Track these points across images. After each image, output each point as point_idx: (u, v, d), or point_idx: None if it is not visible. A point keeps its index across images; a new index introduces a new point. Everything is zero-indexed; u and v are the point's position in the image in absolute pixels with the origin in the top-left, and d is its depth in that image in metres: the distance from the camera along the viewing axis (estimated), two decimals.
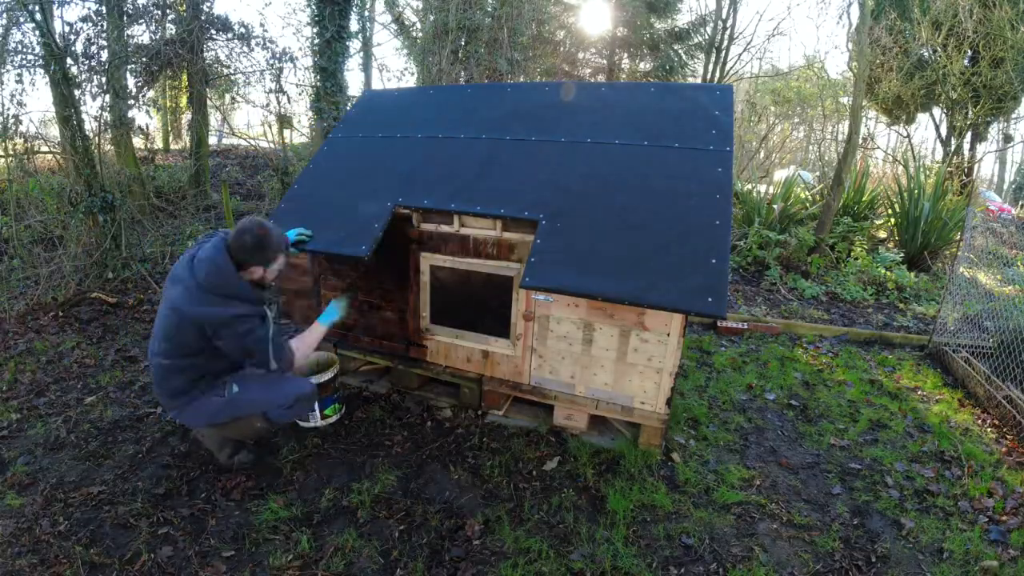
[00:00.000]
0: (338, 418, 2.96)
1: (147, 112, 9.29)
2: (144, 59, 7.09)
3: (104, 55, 6.44)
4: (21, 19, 5.43)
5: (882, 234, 8.13)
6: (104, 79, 6.25)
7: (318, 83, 6.84)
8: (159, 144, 11.29)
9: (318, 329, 2.59)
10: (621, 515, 2.38)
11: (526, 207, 2.64)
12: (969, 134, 11.11)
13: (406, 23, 11.46)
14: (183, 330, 2.21)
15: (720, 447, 2.98)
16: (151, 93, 8.58)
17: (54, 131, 6.92)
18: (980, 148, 11.62)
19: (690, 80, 13.85)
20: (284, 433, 2.85)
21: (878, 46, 9.46)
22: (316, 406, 2.80)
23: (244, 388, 2.39)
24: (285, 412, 2.47)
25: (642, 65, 13.34)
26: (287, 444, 2.77)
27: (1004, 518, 2.50)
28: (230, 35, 7.59)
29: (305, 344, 2.50)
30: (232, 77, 8.35)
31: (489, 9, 7.35)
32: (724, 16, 13.61)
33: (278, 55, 7.57)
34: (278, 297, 3.56)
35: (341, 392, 3.11)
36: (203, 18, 7.35)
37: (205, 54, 7.69)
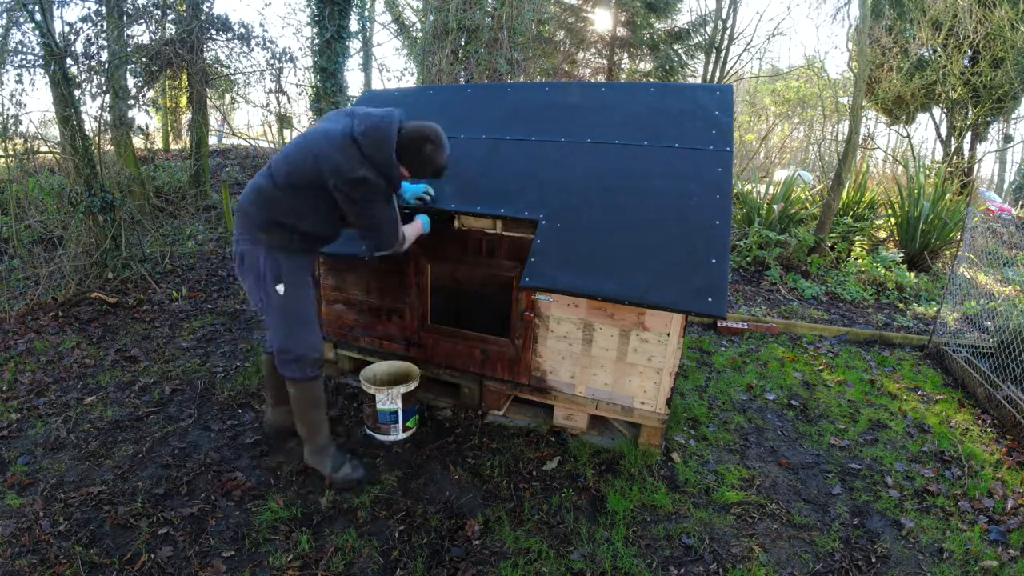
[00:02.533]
0: (415, 431, 2.93)
1: (147, 112, 9.30)
2: (144, 59, 7.10)
3: (104, 55, 6.45)
4: (21, 19, 5.43)
5: (882, 234, 8.13)
6: (104, 79, 6.25)
7: (318, 83, 6.84)
8: (159, 144, 11.30)
9: (418, 225, 2.61)
10: (621, 515, 2.38)
11: (526, 207, 2.64)
12: (969, 134, 11.11)
13: (406, 23, 11.46)
14: (317, 161, 2.13)
15: (720, 447, 2.98)
16: (151, 93, 8.58)
17: (54, 131, 6.92)
18: (980, 148, 11.62)
19: (690, 80, 13.85)
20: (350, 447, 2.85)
21: (878, 46, 9.46)
22: (399, 417, 2.79)
23: (289, 298, 2.28)
24: (290, 362, 2.34)
25: (642, 65, 13.35)
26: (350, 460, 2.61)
27: (1004, 518, 2.50)
28: (230, 35, 7.59)
29: (407, 235, 2.47)
30: (232, 77, 8.35)
31: (489, 9, 7.35)
32: (724, 16, 13.62)
33: (278, 55, 7.58)
34: None
35: (423, 404, 3.12)
36: (203, 18, 7.35)
37: (205, 54, 7.70)
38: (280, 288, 2.26)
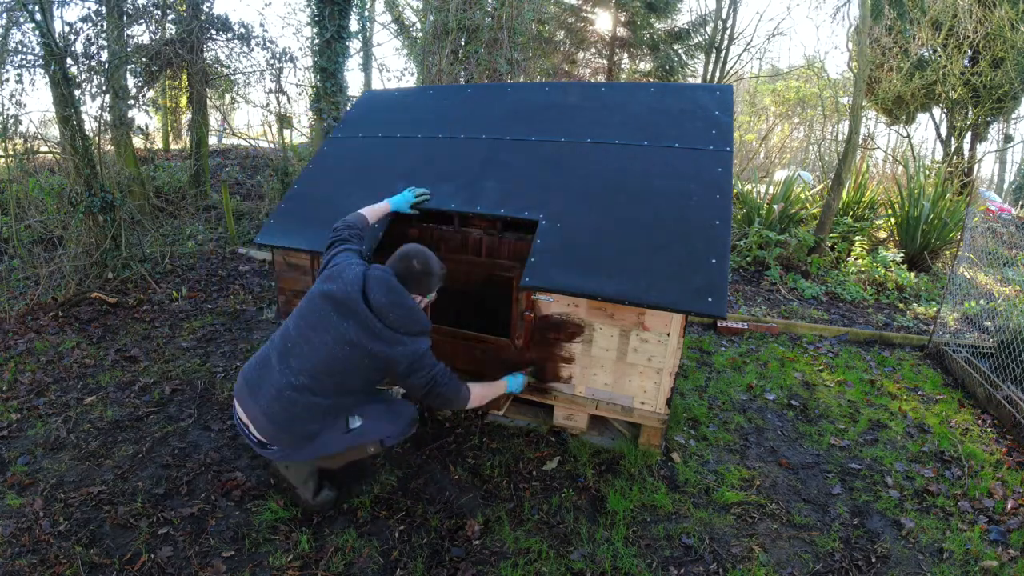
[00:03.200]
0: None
1: (147, 112, 9.30)
2: (144, 59, 7.10)
3: (104, 55, 6.45)
4: (21, 19, 5.43)
5: (882, 234, 8.13)
6: (104, 79, 6.26)
7: (318, 83, 6.84)
8: (159, 144, 11.30)
9: (500, 386, 2.54)
10: (621, 515, 2.38)
11: (526, 207, 2.64)
12: (969, 134, 11.11)
13: (406, 23, 11.46)
14: (362, 368, 2.04)
15: (720, 447, 2.98)
16: (151, 93, 8.59)
17: (54, 131, 6.92)
18: (980, 148, 11.62)
19: (690, 80, 13.85)
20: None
21: (878, 46, 9.47)
22: None
23: (365, 419, 2.21)
24: (400, 436, 2.36)
25: (642, 65, 13.35)
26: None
27: (1004, 518, 2.50)
28: (230, 35, 7.60)
29: (482, 394, 2.40)
30: (232, 77, 8.35)
31: (489, 9, 7.35)
32: (724, 16, 13.63)
33: (278, 55, 7.58)
34: (277, 297, 3.56)
35: None
36: (203, 18, 7.36)
37: (205, 54, 7.70)
38: (350, 426, 2.21)
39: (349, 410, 2.18)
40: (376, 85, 12.59)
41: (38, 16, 4.52)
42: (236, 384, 2.18)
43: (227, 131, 11.24)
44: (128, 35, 7.20)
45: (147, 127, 7.73)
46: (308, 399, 2.02)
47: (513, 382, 2.65)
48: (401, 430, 2.33)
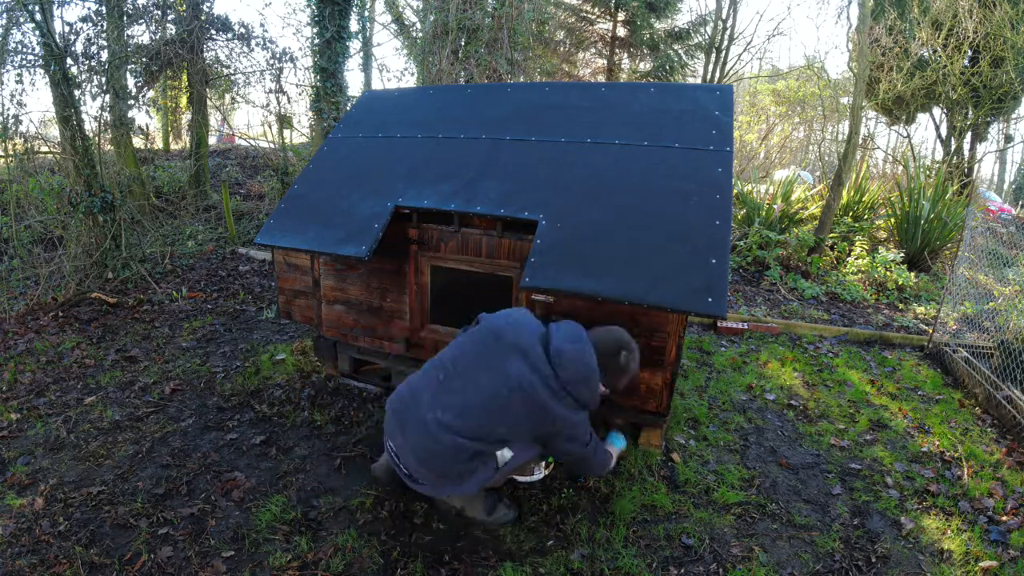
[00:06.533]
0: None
1: (147, 112, 9.31)
2: (144, 59, 7.10)
3: (104, 55, 6.46)
4: (21, 19, 5.43)
5: (882, 234, 8.13)
6: (104, 79, 6.26)
7: (318, 83, 6.84)
8: (159, 144, 11.30)
9: (615, 450, 2.48)
10: (621, 515, 2.38)
11: (526, 207, 2.64)
12: (969, 134, 11.11)
13: (406, 23, 11.46)
14: (528, 418, 1.92)
15: (720, 447, 2.98)
16: (151, 93, 8.60)
17: (54, 131, 6.93)
18: (980, 148, 11.61)
19: (690, 80, 13.85)
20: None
21: (878, 46, 9.46)
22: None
23: (515, 448, 2.03)
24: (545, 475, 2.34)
25: (642, 65, 13.34)
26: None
27: (1004, 518, 2.50)
28: (230, 35, 7.60)
29: (610, 458, 2.34)
30: (232, 77, 8.36)
31: (489, 9, 7.35)
32: (724, 16, 13.62)
33: (278, 55, 7.59)
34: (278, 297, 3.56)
35: None
36: (203, 18, 7.36)
37: (205, 54, 7.70)
38: (500, 462, 2.05)
39: (495, 451, 1.99)
40: (376, 85, 12.59)
41: (38, 16, 4.52)
42: (385, 415, 2.10)
43: (227, 131, 11.25)
44: (128, 35, 7.21)
45: (147, 127, 7.74)
46: (458, 440, 1.90)
47: (619, 442, 2.55)
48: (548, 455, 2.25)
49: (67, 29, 5.88)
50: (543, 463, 2.53)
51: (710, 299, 2.19)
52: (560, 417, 1.92)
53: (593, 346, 2.00)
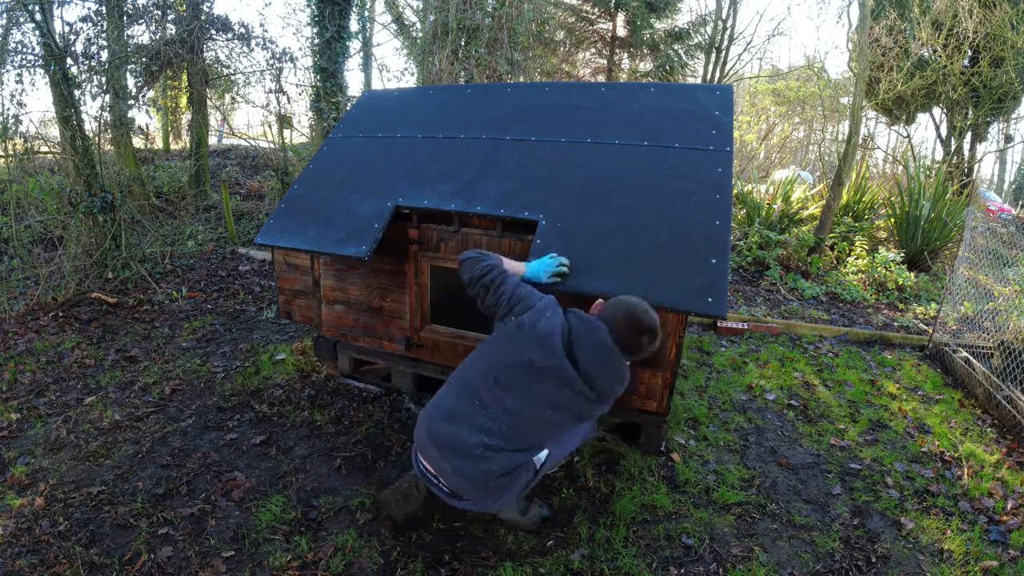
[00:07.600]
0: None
1: (147, 112, 9.31)
2: (144, 59, 7.10)
3: (104, 55, 6.46)
4: (21, 19, 5.43)
5: (882, 234, 8.13)
6: (104, 79, 6.26)
7: (318, 83, 6.84)
8: (159, 144, 11.30)
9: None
10: (621, 515, 2.38)
11: (526, 207, 2.64)
12: (969, 134, 11.10)
13: (406, 23, 11.45)
14: (569, 423, 2.00)
15: (720, 447, 2.98)
16: (151, 93, 8.60)
17: (54, 131, 6.93)
18: (980, 148, 11.61)
19: (690, 80, 13.84)
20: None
21: (878, 46, 9.46)
22: None
23: (550, 448, 2.14)
24: (584, 440, 2.46)
25: (642, 65, 13.34)
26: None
27: (1004, 518, 2.50)
28: (230, 35, 7.60)
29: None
30: (232, 77, 8.36)
31: (489, 9, 7.35)
32: (724, 16, 13.61)
33: (278, 55, 7.59)
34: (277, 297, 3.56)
35: None
36: (203, 18, 7.36)
37: (205, 54, 7.70)
38: (537, 466, 2.13)
39: (534, 455, 2.07)
40: (376, 85, 12.59)
41: (38, 16, 4.52)
42: (417, 432, 2.07)
43: (227, 131, 11.24)
44: (128, 35, 7.21)
45: (147, 127, 7.74)
46: (505, 458, 1.93)
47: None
48: (585, 436, 2.38)
49: (67, 29, 5.88)
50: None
51: (710, 299, 2.19)
52: (601, 411, 2.07)
53: (614, 340, 1.92)
